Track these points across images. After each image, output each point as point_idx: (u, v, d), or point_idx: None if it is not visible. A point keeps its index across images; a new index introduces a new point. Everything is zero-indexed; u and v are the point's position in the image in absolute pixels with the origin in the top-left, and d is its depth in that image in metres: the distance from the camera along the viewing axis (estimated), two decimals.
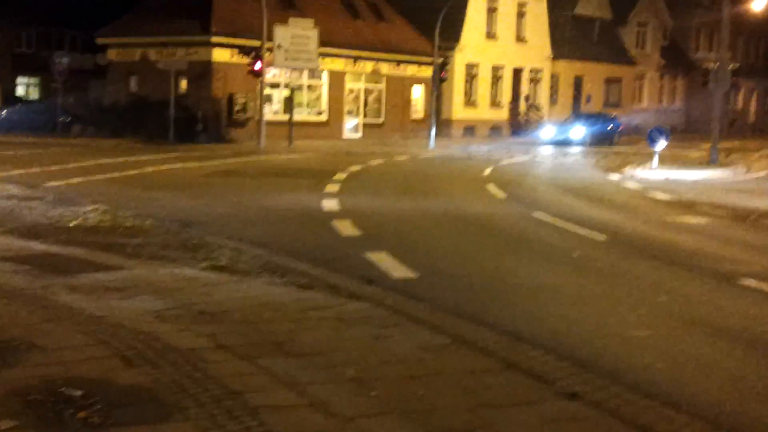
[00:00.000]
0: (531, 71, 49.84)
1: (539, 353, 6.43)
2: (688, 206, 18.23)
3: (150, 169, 21.69)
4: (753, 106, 69.17)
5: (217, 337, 6.22)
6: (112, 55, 38.40)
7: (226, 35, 34.93)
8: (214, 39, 34.73)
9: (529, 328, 7.41)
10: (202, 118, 34.48)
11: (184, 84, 35.08)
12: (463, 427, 4.90)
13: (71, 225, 11.48)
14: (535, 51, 49.43)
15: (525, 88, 49.62)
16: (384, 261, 10.17)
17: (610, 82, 55.61)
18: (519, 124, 49.02)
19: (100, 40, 38.83)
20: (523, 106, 49.50)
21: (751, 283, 9.93)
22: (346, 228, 12.75)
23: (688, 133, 56.37)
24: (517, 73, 48.99)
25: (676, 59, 61.70)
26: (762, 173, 27.82)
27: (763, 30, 66.84)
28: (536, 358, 6.26)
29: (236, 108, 35.04)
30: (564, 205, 17.57)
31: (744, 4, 46.71)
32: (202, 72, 34.68)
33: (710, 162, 29.38)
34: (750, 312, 8.66)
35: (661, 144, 26.76)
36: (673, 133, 32.44)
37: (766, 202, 18.97)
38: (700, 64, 57.43)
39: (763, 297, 9.40)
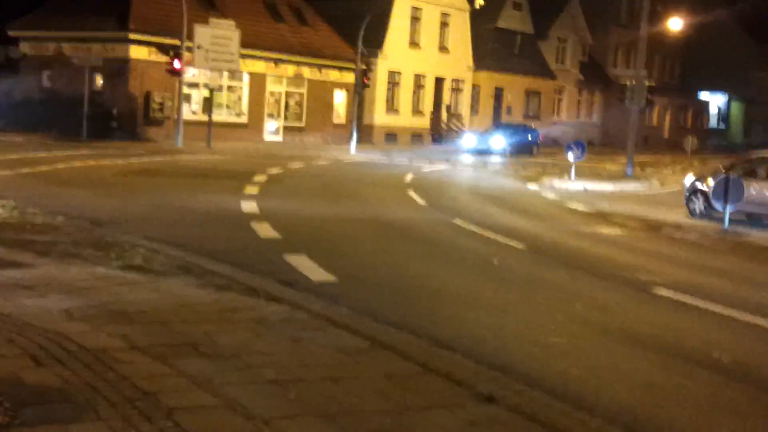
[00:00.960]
0: (453, 81, 50.31)
1: (458, 358, 6.43)
2: (604, 217, 18.60)
3: (62, 165, 21.11)
4: (667, 122, 71.15)
5: (130, 338, 6.04)
6: (24, 48, 37.32)
7: (145, 33, 34.30)
8: (132, 36, 34.05)
9: (448, 333, 7.41)
10: (118, 116, 33.76)
11: (99, 80, 34.30)
12: (382, 430, 4.85)
13: None
14: (457, 61, 49.91)
15: (447, 97, 50.05)
16: (303, 264, 10.06)
17: (530, 94, 56.52)
18: (440, 132, 49.41)
19: (12, 33, 37.69)
20: (444, 114, 49.92)
21: (664, 292, 10.14)
22: (265, 230, 12.59)
23: (605, 147, 57.65)
24: (439, 82, 49.38)
25: (595, 75, 63.07)
26: (675, 187, 28.60)
27: (678, 49, 68.86)
28: (455, 363, 6.26)
29: (153, 107, 34.41)
30: (484, 213, 17.73)
31: (661, 23, 48.00)
32: (119, 69, 33.97)
33: (626, 175, 30.08)
34: (663, 320, 8.84)
35: (579, 156, 27.28)
36: (590, 146, 33.13)
37: (677, 214, 19.48)
38: (618, 81, 58.77)
39: (675, 306, 9.61)
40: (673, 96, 69.19)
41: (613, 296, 10.01)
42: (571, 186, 26.14)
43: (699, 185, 19.30)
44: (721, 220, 16.89)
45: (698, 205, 19.21)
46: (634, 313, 9.09)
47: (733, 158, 24.61)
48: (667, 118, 71.04)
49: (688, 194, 19.76)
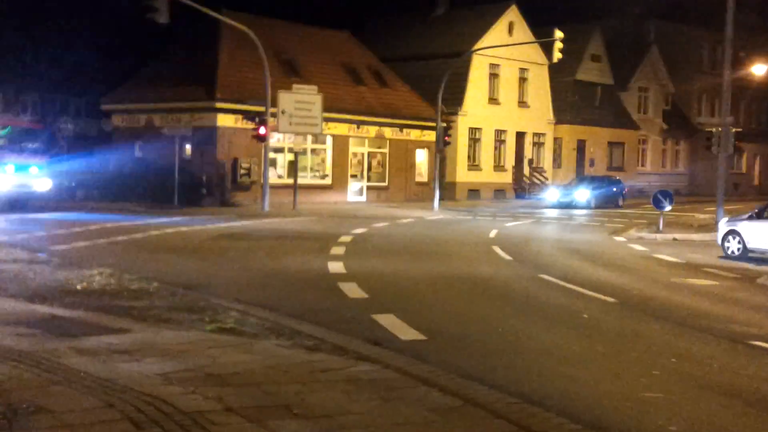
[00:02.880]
0: (534, 135, 50.20)
1: (551, 415, 6.35)
2: (696, 268, 18.18)
3: (155, 232, 21.72)
4: (756, 169, 69.46)
5: (224, 400, 6.15)
6: (116, 120, 38.77)
7: (231, 101, 35.29)
8: (219, 105, 35.08)
9: (539, 390, 7.32)
10: (207, 182, 34.65)
11: (188, 149, 35.33)
12: None
13: (77, 288, 11.45)
14: (537, 115, 49.85)
15: (528, 151, 49.93)
16: (391, 323, 10.10)
17: (613, 145, 55.93)
18: (523, 187, 49.20)
19: (105, 107, 39.26)
20: (526, 169, 49.74)
21: (762, 343, 9.84)
22: (352, 290, 12.70)
23: (692, 196, 56.48)
24: (519, 136, 49.33)
25: (679, 123, 62.15)
26: None
27: (764, 94, 67.47)
28: (548, 421, 6.18)
29: (241, 172, 35.24)
30: (570, 267, 17.52)
31: (744, 68, 47.23)
32: (207, 137, 34.97)
33: (716, 224, 29.32)
34: (761, 373, 8.56)
35: (666, 207, 26.83)
36: (677, 195, 32.50)
37: None
38: (703, 128, 57.80)
39: None
40: (762, 141, 67.63)
41: (708, 349, 9.74)
42: (660, 237, 25.64)
43: (733, 227, 20.82)
44: (756, 260, 17.02)
45: (733, 245, 20.53)
46: (732, 366, 8.84)
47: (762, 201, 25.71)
48: (757, 164, 69.36)
49: (722, 236, 21.14)
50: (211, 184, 34.69)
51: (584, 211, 39.54)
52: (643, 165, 59.59)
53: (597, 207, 41.59)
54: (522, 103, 49.31)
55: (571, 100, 52.41)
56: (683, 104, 63.63)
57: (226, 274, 14.48)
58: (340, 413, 6.01)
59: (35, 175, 28.08)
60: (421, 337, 9.44)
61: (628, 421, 6.64)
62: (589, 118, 53.44)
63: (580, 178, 47.33)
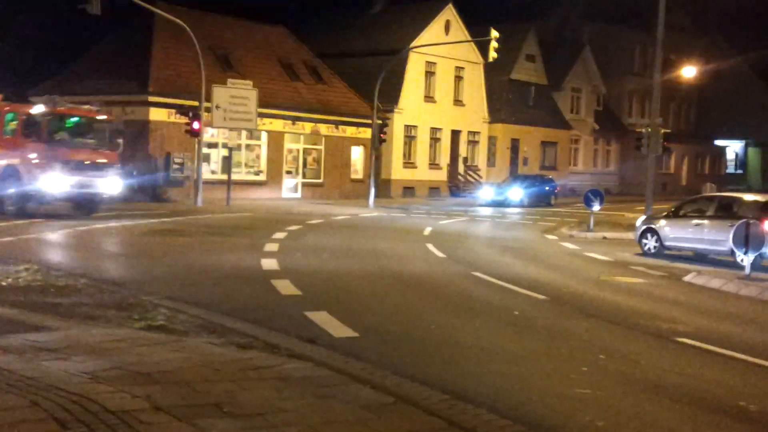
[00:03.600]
0: (469, 133, 50.60)
1: (482, 412, 6.39)
2: (625, 266, 18.52)
3: (83, 228, 21.29)
4: (684, 169, 71.09)
5: (153, 398, 6.05)
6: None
7: (164, 95, 34.83)
8: (152, 98, 34.59)
9: (471, 387, 7.37)
10: (138, 177, 34.13)
11: (120, 143, 34.69)
12: None
13: (2, 284, 11.16)
14: (472, 114, 50.26)
15: (463, 149, 50.30)
16: (325, 320, 10.07)
17: (546, 144, 56.70)
18: (457, 185, 49.55)
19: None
20: (461, 167, 50.11)
21: (688, 340, 10.06)
22: (285, 287, 12.62)
23: (623, 195, 57.58)
24: (455, 135, 49.67)
25: (610, 123, 63.25)
26: None
27: (693, 96, 69.06)
28: (479, 417, 6.22)
29: (173, 167, 34.79)
30: (503, 264, 17.69)
31: (674, 71, 48.27)
32: (139, 131, 34.43)
33: None
34: (687, 369, 8.75)
35: (597, 206, 27.28)
36: (607, 195, 33.06)
37: (697, 263, 19.37)
38: (633, 129, 58.93)
39: (699, 354, 9.52)
40: (690, 143, 69.23)
41: (636, 346, 9.92)
42: (590, 235, 26.07)
43: (650, 225, 21.66)
44: (672, 257, 19.06)
45: (650, 243, 21.40)
46: (659, 363, 9.01)
47: (680, 199, 26.69)
48: (685, 164, 71.00)
49: (639, 234, 21.93)
50: (142, 179, 34.17)
51: (517, 210, 39.99)
52: (575, 164, 60.52)
53: (530, 205, 42.11)
54: (458, 102, 49.67)
55: (506, 99, 52.96)
56: (615, 105, 64.79)
57: (157, 270, 14.26)
58: (272, 411, 5.96)
59: (102, 174, 24.00)
60: (354, 334, 9.42)
61: (558, 417, 6.72)
62: (523, 117, 54.07)
63: (514, 177, 47.88)
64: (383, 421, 5.92)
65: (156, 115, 34.81)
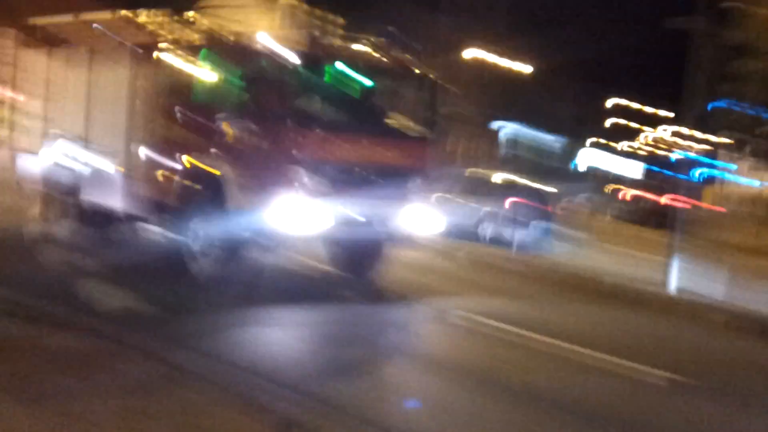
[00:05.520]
0: None
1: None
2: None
3: None
4: (462, 150, 73.60)
5: None
6: None
7: None
8: None
9: None
10: None
11: None
12: None
13: None
14: None
15: None
16: None
17: None
18: None
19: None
20: None
21: (458, 314, 10.45)
22: None
23: None
24: None
25: None
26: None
27: (476, 80, 71.36)
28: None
29: None
30: None
31: (457, 54, 49.66)
32: None
33: None
34: (455, 342, 9.09)
35: None
36: None
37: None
38: None
39: (466, 328, 9.92)
40: (473, 126, 71.74)
41: (406, 319, 10.20)
42: None
43: None
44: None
45: None
46: (429, 336, 9.34)
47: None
48: (464, 146, 73.60)
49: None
50: None
51: None
52: None
53: None
54: None
55: None
56: None
57: None
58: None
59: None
60: None
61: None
62: None
63: None
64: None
65: None
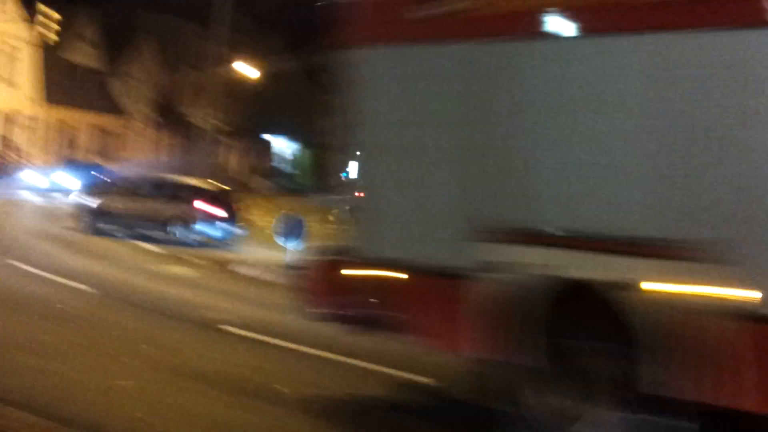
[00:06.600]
0: (15, 114, 47.45)
1: (12, 410, 5.98)
2: (176, 256, 18.60)
3: None
4: (234, 161, 73.38)
5: None
6: None
7: None
8: None
9: (1, 385, 6.84)
10: None
11: None
12: None
13: None
14: (22, 94, 47.24)
15: (7, 130, 47.03)
16: None
17: (99, 130, 55.10)
18: None
19: None
20: (1, 148, 46.76)
21: (231, 329, 10.36)
22: None
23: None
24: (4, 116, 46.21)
25: (166, 113, 63.24)
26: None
27: (249, 94, 71.43)
28: (7, 416, 5.80)
29: None
30: (45, 253, 16.78)
31: (231, 67, 49.47)
32: None
33: None
34: (229, 357, 9.00)
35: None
36: None
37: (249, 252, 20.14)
38: (189, 120, 59.48)
39: (241, 342, 9.84)
40: (244, 138, 71.75)
41: (180, 335, 10.01)
42: None
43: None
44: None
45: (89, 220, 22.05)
46: (202, 351, 9.15)
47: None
48: (235, 156, 73.42)
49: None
50: None
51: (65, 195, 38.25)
52: (130, 152, 59.60)
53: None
54: (6, 81, 46.50)
55: (61, 82, 50.63)
56: (172, 95, 64.98)
57: None
58: None
59: None
60: None
61: (96, 411, 6.51)
62: (77, 101, 52.06)
63: (64, 161, 45.91)
64: None
65: None
